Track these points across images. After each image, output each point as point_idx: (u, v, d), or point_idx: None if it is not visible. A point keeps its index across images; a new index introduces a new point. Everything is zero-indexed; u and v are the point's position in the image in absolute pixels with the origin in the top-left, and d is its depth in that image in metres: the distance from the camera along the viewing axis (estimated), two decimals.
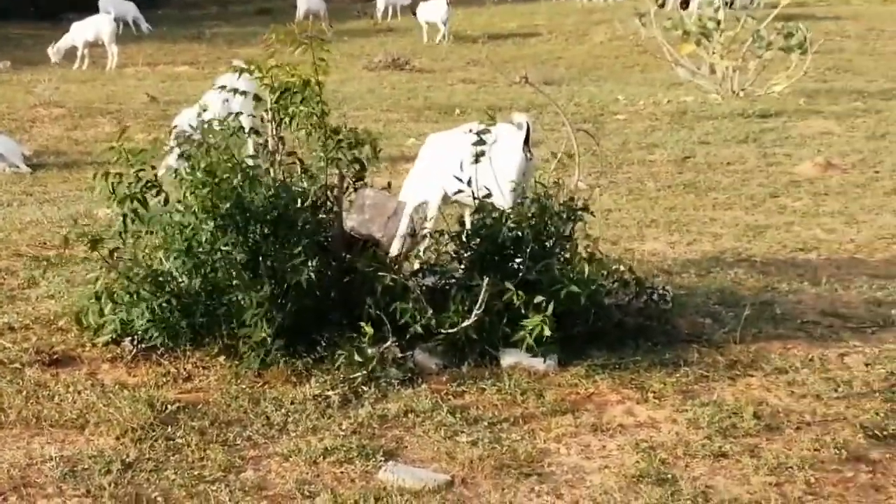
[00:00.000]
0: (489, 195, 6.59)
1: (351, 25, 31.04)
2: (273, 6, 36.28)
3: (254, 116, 6.91)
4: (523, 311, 5.89)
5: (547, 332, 5.80)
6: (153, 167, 6.23)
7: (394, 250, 6.57)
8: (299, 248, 5.92)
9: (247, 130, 6.39)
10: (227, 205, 5.88)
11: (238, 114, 6.46)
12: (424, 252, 6.81)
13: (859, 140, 13.92)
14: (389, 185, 6.77)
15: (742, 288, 7.90)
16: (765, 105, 16.21)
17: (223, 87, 6.64)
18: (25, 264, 8.25)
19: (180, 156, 6.20)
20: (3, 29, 30.35)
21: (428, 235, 6.80)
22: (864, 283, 8.08)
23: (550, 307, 5.85)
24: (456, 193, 6.94)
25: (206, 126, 6.24)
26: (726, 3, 18.25)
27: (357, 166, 6.37)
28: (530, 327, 5.83)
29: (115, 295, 6.18)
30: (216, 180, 5.91)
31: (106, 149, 6.36)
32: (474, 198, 6.58)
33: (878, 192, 11.22)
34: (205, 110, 6.45)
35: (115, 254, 6.28)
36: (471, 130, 6.67)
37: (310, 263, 5.87)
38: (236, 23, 32.48)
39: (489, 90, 18.72)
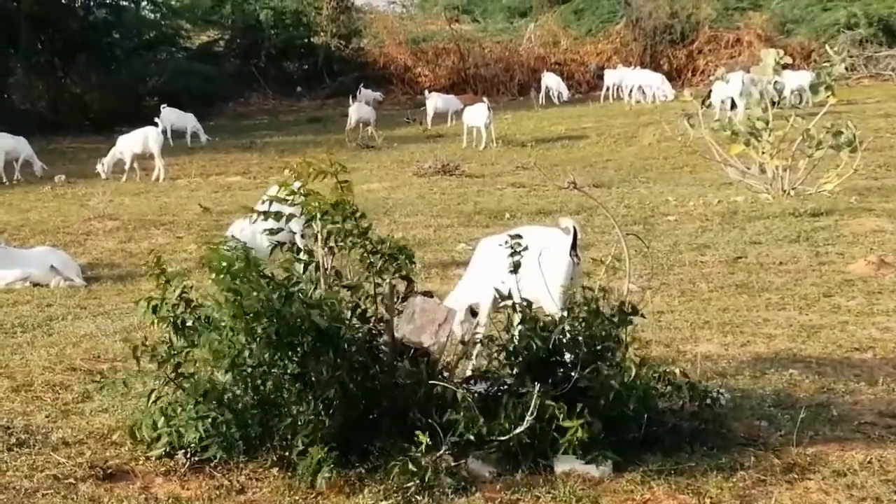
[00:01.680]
0: (531, 304, 6.60)
1: (400, 132, 31.34)
2: (323, 115, 36.81)
3: (296, 234, 6.97)
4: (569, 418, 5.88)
5: (583, 436, 5.77)
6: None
7: (445, 357, 6.57)
8: (338, 361, 5.92)
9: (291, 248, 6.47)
10: (266, 324, 5.89)
11: (278, 230, 6.55)
12: (476, 358, 6.80)
13: None
14: (431, 294, 6.75)
15: (798, 389, 7.82)
16: (816, 204, 16.15)
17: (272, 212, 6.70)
18: (80, 378, 8.30)
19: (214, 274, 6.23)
20: (58, 143, 30.87)
21: (479, 342, 6.80)
22: None
23: (587, 412, 5.83)
24: (506, 299, 6.94)
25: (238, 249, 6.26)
26: (773, 103, 18.26)
27: (402, 276, 6.40)
28: (570, 433, 5.81)
29: (170, 408, 6.20)
30: (251, 300, 5.92)
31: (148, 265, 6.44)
32: (516, 306, 6.58)
33: None
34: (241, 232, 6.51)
35: (171, 368, 6.31)
36: (514, 237, 6.70)
37: (354, 375, 5.88)
38: (287, 132, 32.88)
39: (539, 194, 18.77)
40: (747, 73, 26.14)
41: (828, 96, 18.04)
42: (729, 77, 26.71)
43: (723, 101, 28.02)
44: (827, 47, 20.50)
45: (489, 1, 57.46)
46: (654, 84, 36.44)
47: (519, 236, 6.71)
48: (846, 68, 38.10)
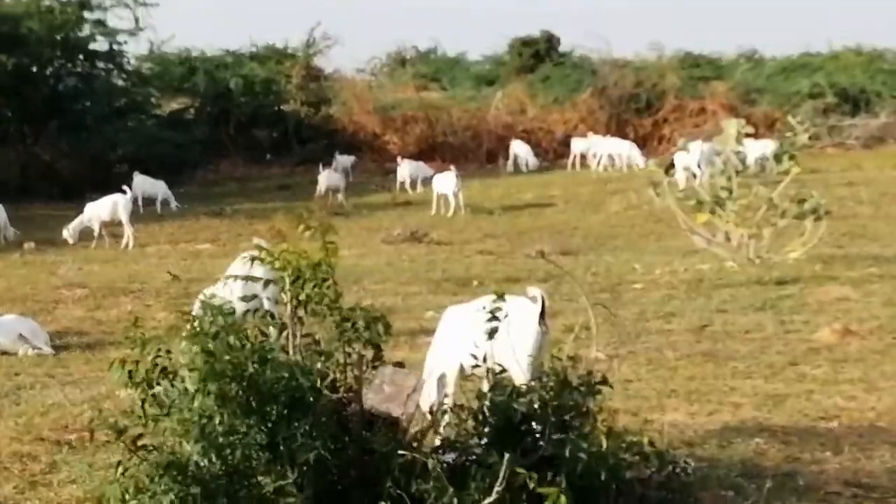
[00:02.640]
0: (504, 371, 6.63)
1: (369, 199, 31.45)
2: (293, 182, 36.85)
3: (269, 300, 6.98)
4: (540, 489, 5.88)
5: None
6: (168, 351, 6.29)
7: (414, 427, 6.59)
8: (316, 430, 5.93)
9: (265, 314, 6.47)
10: (238, 390, 5.90)
11: (253, 296, 6.57)
12: (444, 428, 6.83)
13: (876, 306, 13.95)
14: (402, 363, 6.78)
15: (764, 458, 7.88)
16: (781, 272, 16.29)
17: (244, 276, 6.73)
18: (47, 449, 8.27)
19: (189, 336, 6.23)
20: (27, 209, 30.76)
21: (447, 411, 6.82)
22: (887, 452, 8.06)
23: (563, 480, 5.84)
24: (473, 368, 6.98)
25: (215, 308, 6.28)
26: (737, 172, 18.43)
27: (373, 345, 6.42)
28: (549, 501, 5.81)
29: (137, 480, 6.18)
30: (223, 364, 5.93)
31: (125, 329, 6.43)
32: (489, 374, 6.62)
33: None
34: (212, 297, 6.52)
35: (138, 440, 6.30)
36: (484, 308, 6.74)
37: (328, 444, 5.88)
38: (257, 199, 32.91)
39: (507, 262, 18.86)
40: (707, 142, 26.48)
41: (791, 166, 18.24)
42: (689, 146, 26.96)
43: (685, 170, 28.23)
44: (789, 117, 20.73)
45: (457, 69, 57.99)
46: (624, 152, 36.70)
47: (502, 298, 6.75)
48: (809, 137, 38.63)
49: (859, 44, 49.49)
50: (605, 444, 6.14)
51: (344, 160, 37.61)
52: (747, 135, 19.42)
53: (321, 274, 6.29)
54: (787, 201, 17.50)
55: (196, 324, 6.17)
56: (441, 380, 8.26)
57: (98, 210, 23.78)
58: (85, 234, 23.93)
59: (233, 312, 6.19)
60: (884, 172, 32.31)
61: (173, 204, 30.31)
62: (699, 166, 27.80)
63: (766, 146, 29.75)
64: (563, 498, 5.78)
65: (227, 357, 5.93)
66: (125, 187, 25.30)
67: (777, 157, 18.79)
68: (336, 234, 6.40)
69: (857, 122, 42.00)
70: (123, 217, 23.50)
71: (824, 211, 17.34)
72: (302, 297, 6.33)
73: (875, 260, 17.56)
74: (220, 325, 6.10)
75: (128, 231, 23.46)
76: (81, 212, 24.21)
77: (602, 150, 37.32)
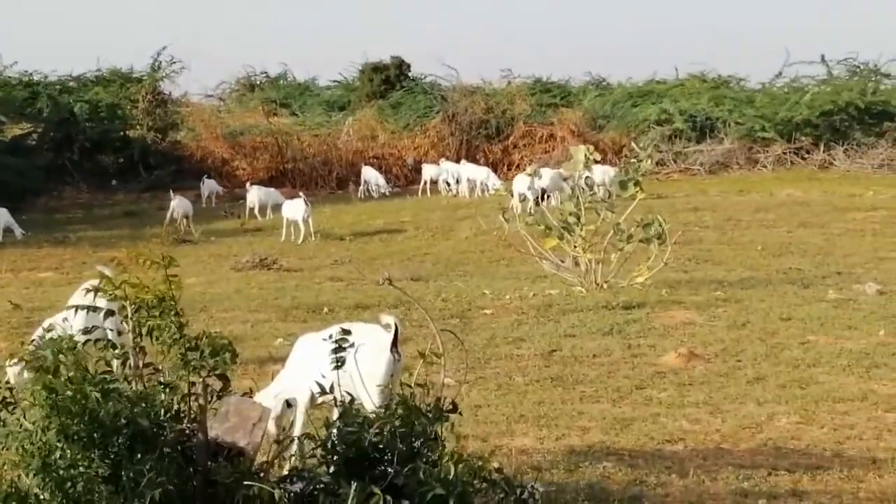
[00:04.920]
0: (353, 399, 6.58)
1: (218, 225, 31.10)
2: (139, 209, 36.31)
3: (112, 330, 6.82)
4: None
5: None
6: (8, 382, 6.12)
7: (260, 457, 6.50)
8: (159, 462, 5.81)
9: (106, 344, 6.32)
10: (80, 423, 5.76)
11: (94, 327, 6.41)
12: (292, 457, 6.74)
13: (721, 330, 14.22)
14: (251, 391, 6.69)
15: (611, 482, 7.95)
16: (628, 297, 16.51)
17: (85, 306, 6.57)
18: None
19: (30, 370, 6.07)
20: None
21: (294, 440, 6.76)
22: (731, 474, 8.21)
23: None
24: (322, 395, 6.92)
25: (55, 342, 6.13)
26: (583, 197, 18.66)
27: (218, 375, 6.31)
28: None
29: None
30: (65, 399, 5.79)
31: None
32: (337, 403, 6.56)
33: (741, 382, 11.45)
34: (49, 331, 6.35)
35: None
36: (332, 336, 6.69)
37: (167, 476, 5.76)
38: (102, 226, 32.36)
39: (357, 288, 18.79)
40: (555, 168, 26.85)
41: (636, 192, 18.53)
42: (540, 171, 27.23)
43: (520, 195, 28.46)
44: (633, 144, 21.04)
45: (307, 95, 57.72)
46: (480, 177, 36.88)
47: (347, 332, 6.71)
48: (656, 163, 39.41)
49: (704, 71, 50.57)
50: (453, 471, 6.12)
51: (211, 184, 37.34)
52: (595, 161, 19.67)
53: (164, 306, 6.17)
54: (633, 227, 17.75)
55: (36, 357, 6.01)
56: (288, 407, 8.20)
57: None
58: None
59: (74, 346, 6.05)
60: (728, 198, 33.01)
61: (18, 231, 29.57)
62: (545, 193, 28.09)
63: (608, 172, 30.22)
64: None
65: (68, 392, 5.79)
66: None
67: (622, 184, 19.04)
68: (178, 266, 6.27)
69: (703, 148, 42.86)
70: None
71: (668, 235, 17.60)
72: (144, 329, 6.21)
73: (720, 284, 17.91)
74: (61, 359, 5.95)
75: None
76: None
77: (460, 175, 37.47)
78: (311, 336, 8.61)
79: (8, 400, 6.12)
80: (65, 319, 6.51)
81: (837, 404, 10.51)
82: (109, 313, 6.44)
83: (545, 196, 28.47)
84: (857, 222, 26.89)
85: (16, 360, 6.16)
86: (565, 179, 20.06)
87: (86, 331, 6.51)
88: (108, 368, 6.20)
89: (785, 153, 42.49)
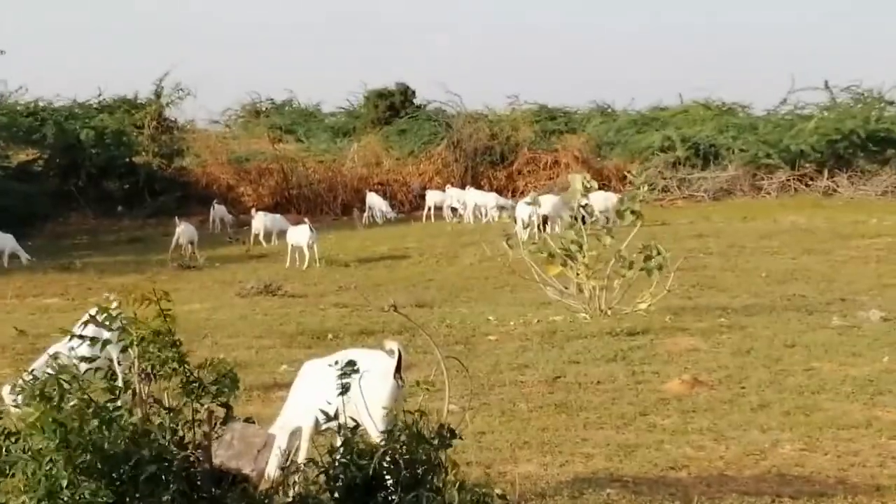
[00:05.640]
0: (357, 426, 6.60)
1: (222, 251, 31.14)
2: (144, 234, 36.36)
3: (113, 359, 6.83)
4: None
5: None
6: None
7: (265, 483, 6.52)
8: (164, 490, 5.83)
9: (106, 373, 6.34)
10: (84, 452, 5.78)
11: (95, 357, 6.43)
12: (295, 484, 6.76)
13: (725, 356, 14.23)
14: (251, 419, 6.70)
15: None
16: (632, 323, 16.53)
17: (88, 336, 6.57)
18: None
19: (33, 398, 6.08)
20: None
21: (300, 467, 6.77)
22: (735, 501, 8.24)
23: None
24: (327, 422, 6.94)
25: (60, 371, 6.15)
26: (584, 224, 18.70)
27: (221, 401, 6.33)
28: None
29: None
30: (70, 428, 5.81)
31: None
32: (341, 429, 6.58)
33: (745, 409, 11.45)
34: (56, 358, 6.37)
35: None
36: (337, 363, 6.71)
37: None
38: (108, 252, 32.39)
39: (362, 314, 18.81)
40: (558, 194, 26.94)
41: (634, 220, 18.59)
42: (540, 199, 27.27)
43: (523, 222, 28.50)
44: (628, 173, 21.10)
45: (312, 121, 57.90)
46: (490, 203, 36.95)
47: (353, 362, 6.74)
48: (661, 189, 39.48)
49: (708, 98, 50.64)
50: (457, 499, 6.14)
51: (221, 210, 37.38)
52: (594, 188, 19.72)
53: (162, 340, 6.20)
54: (635, 253, 17.78)
55: (41, 385, 6.04)
56: (294, 434, 8.22)
57: None
58: None
59: (77, 375, 6.08)
60: (732, 224, 33.03)
61: (24, 257, 29.64)
62: (546, 220, 28.18)
63: (609, 198, 30.26)
64: None
65: (74, 422, 5.81)
66: None
67: (619, 214, 19.10)
68: (171, 302, 6.28)
69: (707, 174, 42.90)
70: None
71: (669, 265, 17.62)
72: (145, 363, 6.24)
73: (724, 310, 17.93)
74: (66, 388, 5.98)
75: None
76: None
77: (467, 201, 37.54)
78: (316, 362, 8.64)
79: (9, 430, 6.14)
80: (71, 348, 6.51)
81: (842, 431, 10.51)
82: (107, 343, 6.47)
83: (546, 223, 28.54)
84: (861, 249, 26.91)
85: (13, 386, 6.19)
86: (568, 208, 20.09)
87: (88, 359, 6.52)
88: (112, 397, 6.22)
89: (789, 180, 42.51)
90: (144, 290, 6.29)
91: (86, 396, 5.98)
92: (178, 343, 6.23)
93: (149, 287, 6.35)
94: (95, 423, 5.88)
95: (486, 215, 36.57)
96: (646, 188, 19.73)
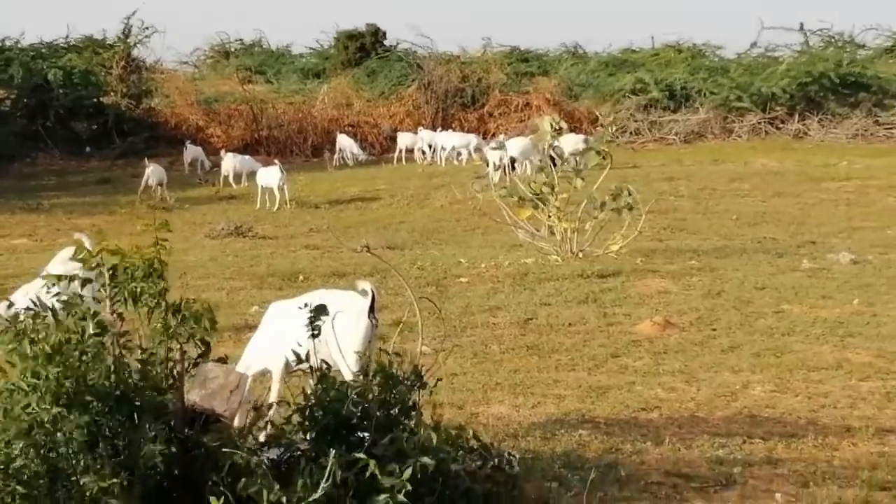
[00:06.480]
0: (329, 367, 6.58)
1: (192, 193, 30.98)
2: (113, 175, 36.08)
3: (93, 298, 6.76)
4: (374, 484, 5.84)
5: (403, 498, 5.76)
6: None
7: (237, 423, 6.51)
8: (146, 428, 5.81)
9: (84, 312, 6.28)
10: (72, 384, 5.75)
11: (80, 296, 6.37)
12: (268, 425, 6.75)
13: (696, 298, 14.27)
14: (226, 357, 6.67)
15: (587, 450, 7.99)
16: (603, 265, 16.55)
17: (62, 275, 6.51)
18: None
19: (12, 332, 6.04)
20: None
21: (273, 406, 6.76)
22: (706, 442, 8.26)
23: (407, 472, 5.82)
24: (297, 364, 6.91)
25: (49, 303, 6.11)
26: (555, 166, 18.68)
27: (199, 341, 6.29)
28: (391, 487, 5.77)
29: None
30: (62, 358, 5.79)
31: None
32: (313, 370, 6.55)
33: (716, 350, 11.50)
34: (53, 285, 6.31)
35: None
36: (307, 305, 6.67)
37: (158, 444, 5.76)
38: (76, 192, 32.18)
39: (333, 256, 18.78)
40: (501, 145, 26.93)
41: (602, 162, 18.58)
42: (507, 142, 27.23)
43: (494, 164, 28.47)
44: (598, 113, 21.09)
45: (282, 62, 57.53)
46: (472, 144, 36.82)
47: (322, 306, 6.70)
48: (631, 132, 39.53)
49: (679, 41, 50.57)
50: (434, 439, 6.14)
51: (196, 150, 37.03)
52: (564, 130, 19.68)
53: (151, 271, 6.14)
54: (606, 196, 17.77)
55: (16, 321, 5.99)
56: (265, 375, 8.20)
57: None
58: None
59: (56, 310, 6.04)
60: (703, 167, 33.06)
61: None
62: (514, 163, 28.18)
63: (579, 141, 30.29)
64: (408, 485, 5.77)
65: (57, 357, 5.78)
66: None
67: (588, 156, 19.07)
68: (170, 232, 6.24)
69: (678, 117, 42.89)
70: None
71: (638, 204, 17.60)
72: (125, 292, 6.18)
73: (695, 253, 17.98)
74: (47, 323, 5.95)
75: None
76: None
77: (446, 142, 37.39)
78: (283, 304, 8.60)
79: None
80: (44, 287, 6.44)
81: (812, 373, 10.56)
82: (87, 281, 6.40)
83: (513, 165, 28.54)
84: (831, 192, 27.02)
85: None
86: (537, 150, 20.08)
87: (64, 298, 6.46)
88: (92, 333, 6.16)
89: (760, 123, 42.54)
90: (144, 220, 6.23)
91: (66, 332, 5.94)
92: (163, 276, 6.18)
93: (126, 227, 6.30)
94: (76, 355, 5.85)
95: (467, 157, 36.39)
96: (613, 129, 19.68)
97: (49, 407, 5.77)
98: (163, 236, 6.16)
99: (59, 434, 5.81)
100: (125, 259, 6.16)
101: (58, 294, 6.26)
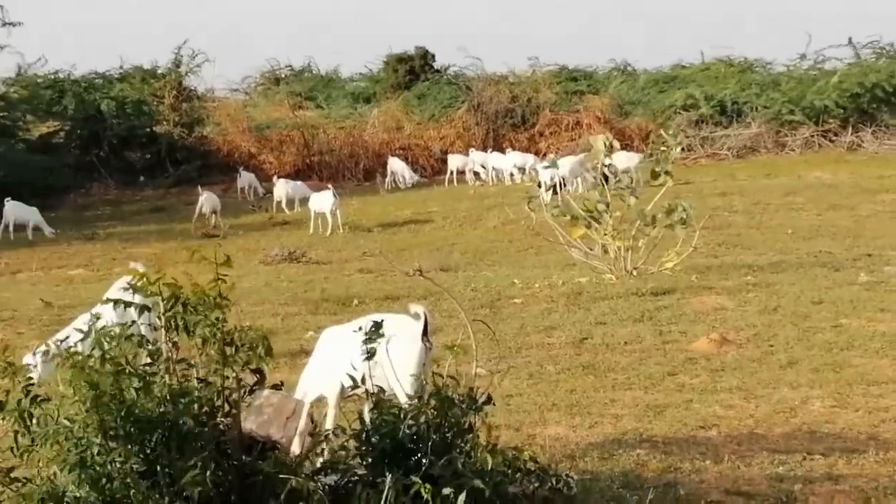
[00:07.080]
0: (384, 392, 6.58)
1: (245, 219, 31.17)
2: (167, 204, 36.40)
3: (149, 326, 6.79)
4: None
5: None
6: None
7: (294, 450, 6.51)
8: (195, 458, 5.82)
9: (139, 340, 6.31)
10: (116, 417, 5.77)
11: (132, 323, 6.40)
12: (324, 451, 6.75)
13: (752, 314, 14.15)
14: (282, 383, 6.68)
15: (645, 469, 7.93)
16: (658, 283, 16.45)
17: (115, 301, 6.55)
18: None
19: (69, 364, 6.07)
20: None
21: (329, 433, 6.76)
22: (765, 459, 8.18)
23: (462, 496, 5.81)
24: (352, 389, 6.91)
25: (97, 335, 6.14)
26: (606, 183, 18.60)
27: (253, 368, 6.31)
28: None
29: None
30: (105, 394, 5.80)
31: None
32: (369, 394, 6.56)
33: (774, 367, 11.39)
34: (97, 319, 6.34)
35: (10, 473, 6.13)
36: (361, 328, 6.68)
37: (208, 473, 5.77)
38: (130, 221, 32.48)
39: (386, 279, 18.81)
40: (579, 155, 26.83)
41: (666, 180, 18.46)
42: (559, 161, 27.20)
43: (546, 184, 28.44)
44: (662, 132, 21.01)
45: (332, 87, 57.78)
46: (529, 164, 36.73)
47: (378, 325, 6.71)
48: (684, 148, 39.34)
49: (729, 55, 50.36)
50: (489, 462, 6.12)
51: (249, 177, 37.26)
52: (618, 148, 19.62)
53: (207, 303, 6.16)
54: (659, 212, 17.67)
55: (75, 352, 6.02)
56: (322, 401, 8.20)
57: None
58: None
59: (114, 338, 6.06)
60: (756, 182, 32.88)
61: (47, 230, 29.75)
62: (564, 182, 28.09)
63: (632, 158, 30.12)
64: None
65: (109, 388, 5.81)
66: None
67: (653, 174, 18.92)
68: (232, 267, 6.25)
69: (730, 132, 42.69)
70: None
71: (692, 219, 17.47)
72: (179, 321, 6.20)
73: (750, 268, 17.85)
74: (102, 353, 5.97)
75: None
76: None
77: (505, 163, 37.39)
78: (335, 329, 8.61)
79: (41, 397, 6.13)
80: (97, 317, 6.47)
81: (871, 387, 10.44)
82: (144, 309, 6.43)
83: (563, 185, 28.47)
84: (886, 204, 26.77)
85: (43, 351, 6.19)
86: (589, 169, 19.99)
87: (120, 326, 6.49)
88: (147, 363, 6.20)
89: (813, 136, 42.26)
90: (206, 255, 6.25)
91: (122, 361, 5.96)
92: (222, 307, 6.19)
93: (181, 254, 6.33)
94: (136, 382, 5.87)
95: (524, 175, 36.25)
96: (679, 149, 19.56)
97: (102, 438, 5.79)
98: (223, 271, 6.17)
99: (115, 464, 5.84)
100: (183, 291, 6.18)
101: (105, 327, 6.27)
